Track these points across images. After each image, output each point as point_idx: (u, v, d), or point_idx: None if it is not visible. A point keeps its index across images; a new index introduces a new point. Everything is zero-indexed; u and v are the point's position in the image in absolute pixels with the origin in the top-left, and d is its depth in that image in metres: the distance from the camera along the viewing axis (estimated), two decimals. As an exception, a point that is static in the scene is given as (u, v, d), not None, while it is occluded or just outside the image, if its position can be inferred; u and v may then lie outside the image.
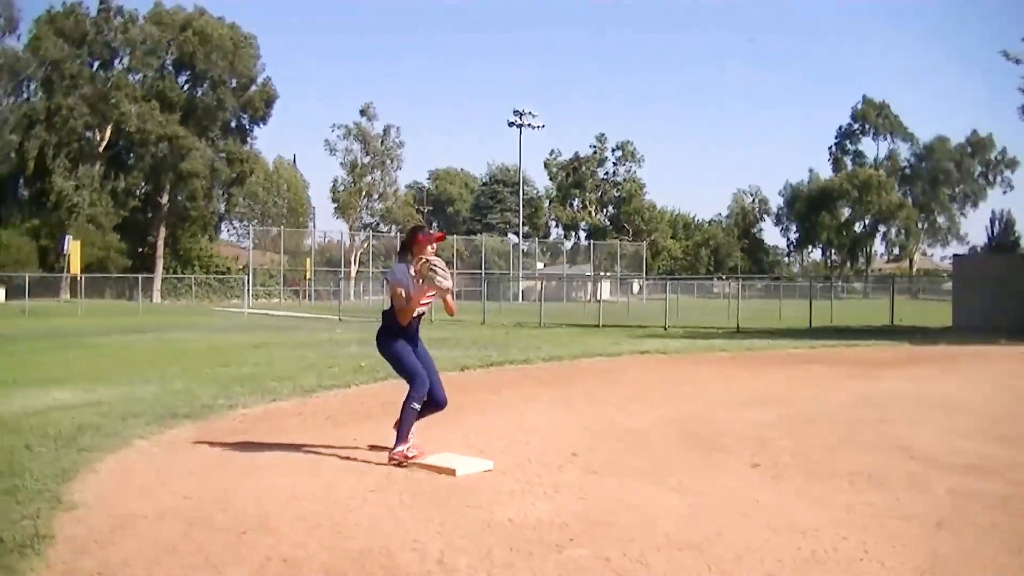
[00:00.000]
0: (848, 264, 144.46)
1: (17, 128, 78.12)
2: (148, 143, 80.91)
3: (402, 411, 9.27)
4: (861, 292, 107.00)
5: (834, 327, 36.53)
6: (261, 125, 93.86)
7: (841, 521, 6.94)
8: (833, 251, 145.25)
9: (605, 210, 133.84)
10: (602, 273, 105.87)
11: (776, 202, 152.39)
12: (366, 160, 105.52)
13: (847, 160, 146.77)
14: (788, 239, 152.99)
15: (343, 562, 5.96)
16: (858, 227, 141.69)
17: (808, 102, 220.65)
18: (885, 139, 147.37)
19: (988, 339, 28.98)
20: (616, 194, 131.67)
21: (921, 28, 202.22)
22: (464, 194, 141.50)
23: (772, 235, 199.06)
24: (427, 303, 9.57)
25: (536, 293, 65.59)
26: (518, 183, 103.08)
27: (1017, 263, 47.34)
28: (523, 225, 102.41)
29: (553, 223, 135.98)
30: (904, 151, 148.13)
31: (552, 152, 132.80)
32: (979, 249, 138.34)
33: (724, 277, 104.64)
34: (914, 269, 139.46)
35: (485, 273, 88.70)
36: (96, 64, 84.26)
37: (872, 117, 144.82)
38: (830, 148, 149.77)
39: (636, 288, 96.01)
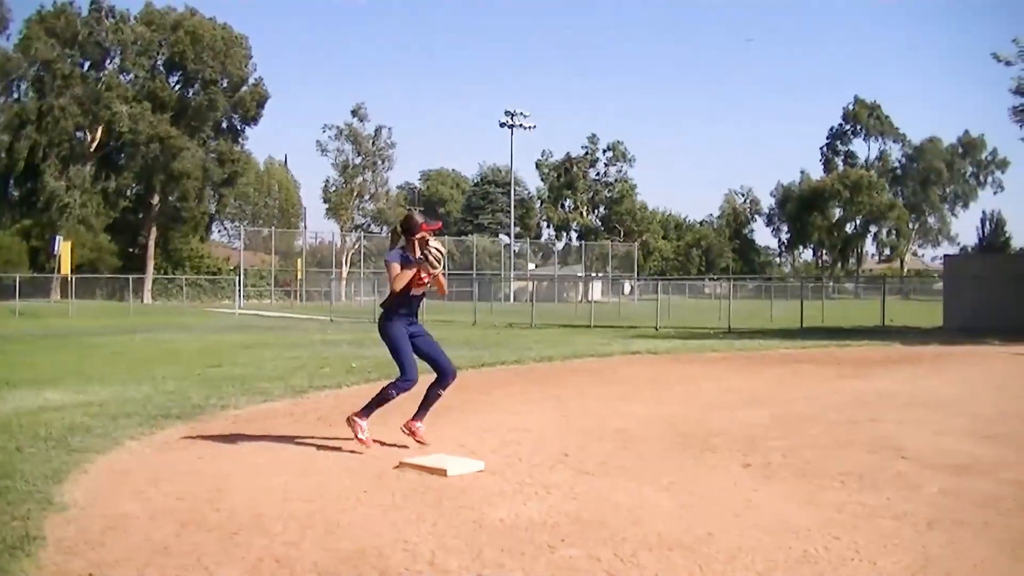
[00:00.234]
0: (839, 264, 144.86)
1: (8, 128, 78.12)
2: (139, 143, 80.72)
3: (382, 390, 9.72)
4: (852, 292, 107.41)
5: (825, 327, 36.57)
6: (253, 125, 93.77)
7: (832, 521, 6.95)
8: (824, 251, 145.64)
9: (596, 211, 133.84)
10: (593, 274, 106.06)
11: (767, 202, 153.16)
12: (357, 161, 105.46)
13: (838, 161, 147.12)
14: (779, 239, 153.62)
15: (335, 562, 5.95)
16: (849, 227, 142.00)
17: (800, 103, 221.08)
18: (876, 140, 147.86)
19: (979, 339, 29.06)
20: (607, 195, 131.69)
21: (913, 29, 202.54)
22: (456, 195, 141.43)
23: (763, 235, 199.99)
24: (422, 286, 9.87)
25: (527, 294, 65.77)
26: (510, 184, 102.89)
27: (1007, 263, 47.60)
28: (514, 226, 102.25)
29: (544, 223, 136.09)
30: (895, 152, 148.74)
31: (544, 153, 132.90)
32: (970, 249, 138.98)
33: (715, 277, 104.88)
34: (905, 269, 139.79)
35: (476, 274, 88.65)
36: (87, 64, 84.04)
37: (864, 118, 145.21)
38: (821, 148, 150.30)
39: (627, 289, 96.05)
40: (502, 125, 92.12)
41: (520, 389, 15.68)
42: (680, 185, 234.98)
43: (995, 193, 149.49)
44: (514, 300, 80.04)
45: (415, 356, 9.87)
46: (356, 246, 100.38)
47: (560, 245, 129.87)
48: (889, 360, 22.80)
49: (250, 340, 27.72)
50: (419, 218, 9.96)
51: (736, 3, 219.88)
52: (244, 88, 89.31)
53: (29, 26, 79.23)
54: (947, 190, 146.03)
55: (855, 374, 18.97)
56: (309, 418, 11.95)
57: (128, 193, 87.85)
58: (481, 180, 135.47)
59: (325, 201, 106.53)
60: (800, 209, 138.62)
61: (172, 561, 5.97)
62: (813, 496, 7.78)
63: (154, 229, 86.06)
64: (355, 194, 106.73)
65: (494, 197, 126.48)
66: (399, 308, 9.88)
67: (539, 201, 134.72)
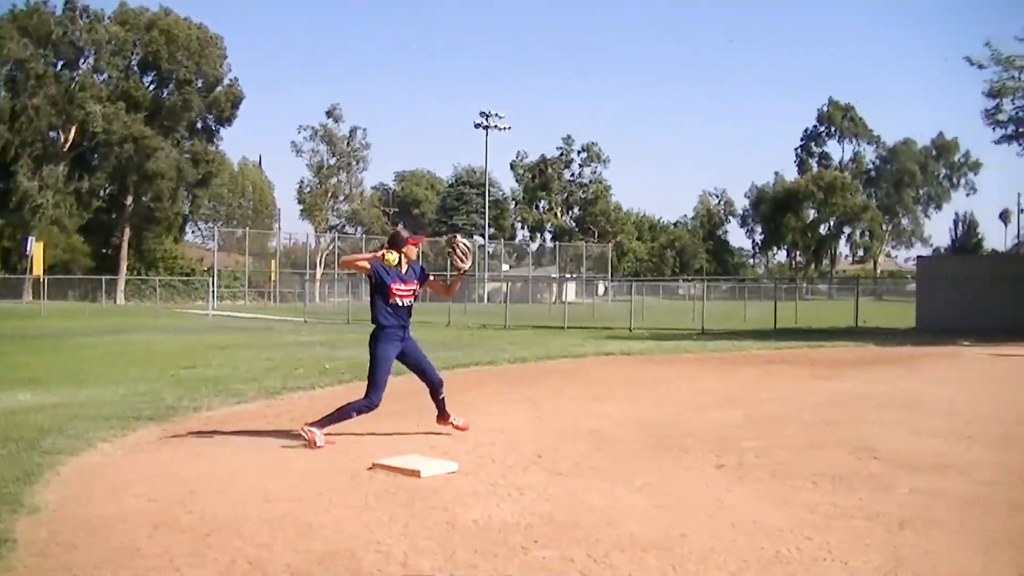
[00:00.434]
0: (813, 265, 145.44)
1: (-20, 128, 77.69)
2: (113, 143, 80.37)
3: (345, 408, 10.07)
4: (826, 293, 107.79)
5: (799, 328, 36.67)
6: (227, 126, 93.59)
7: (805, 521, 6.97)
8: (798, 252, 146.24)
9: (571, 212, 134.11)
10: (567, 275, 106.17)
11: (741, 204, 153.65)
12: (332, 161, 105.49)
13: (812, 162, 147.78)
14: (753, 241, 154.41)
15: (308, 563, 5.94)
16: (823, 229, 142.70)
17: (774, 104, 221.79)
18: (851, 141, 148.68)
19: (951, 340, 29.19)
20: (582, 196, 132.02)
21: (889, 32, 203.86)
22: (430, 195, 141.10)
23: (737, 237, 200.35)
24: (409, 292, 10.26)
25: (502, 294, 65.68)
26: (484, 185, 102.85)
27: (980, 265, 47.86)
28: (489, 227, 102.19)
29: (519, 224, 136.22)
30: (869, 153, 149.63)
31: (518, 154, 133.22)
32: (943, 251, 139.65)
33: (689, 278, 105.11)
34: (878, 270, 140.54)
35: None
36: (61, 64, 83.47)
37: (838, 120, 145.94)
38: (796, 150, 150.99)
39: (601, 289, 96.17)
40: (477, 126, 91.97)
41: (493, 390, 15.68)
42: (654, 186, 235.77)
43: (968, 195, 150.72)
44: (488, 301, 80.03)
45: (390, 369, 10.21)
46: (330, 247, 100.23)
47: (534, 246, 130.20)
48: (863, 361, 22.88)
49: (223, 341, 27.63)
50: (405, 233, 10.46)
51: (714, 4, 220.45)
52: (219, 88, 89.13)
53: (2, 25, 78.51)
54: (920, 192, 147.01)
55: (828, 375, 19.03)
56: (282, 419, 11.91)
57: (101, 193, 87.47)
58: (456, 181, 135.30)
59: (299, 202, 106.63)
60: (774, 210, 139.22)
61: (144, 563, 5.95)
62: (786, 497, 7.81)
63: (127, 230, 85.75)
64: (329, 195, 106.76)
65: (468, 198, 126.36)
66: (390, 320, 10.14)
67: (513, 202, 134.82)
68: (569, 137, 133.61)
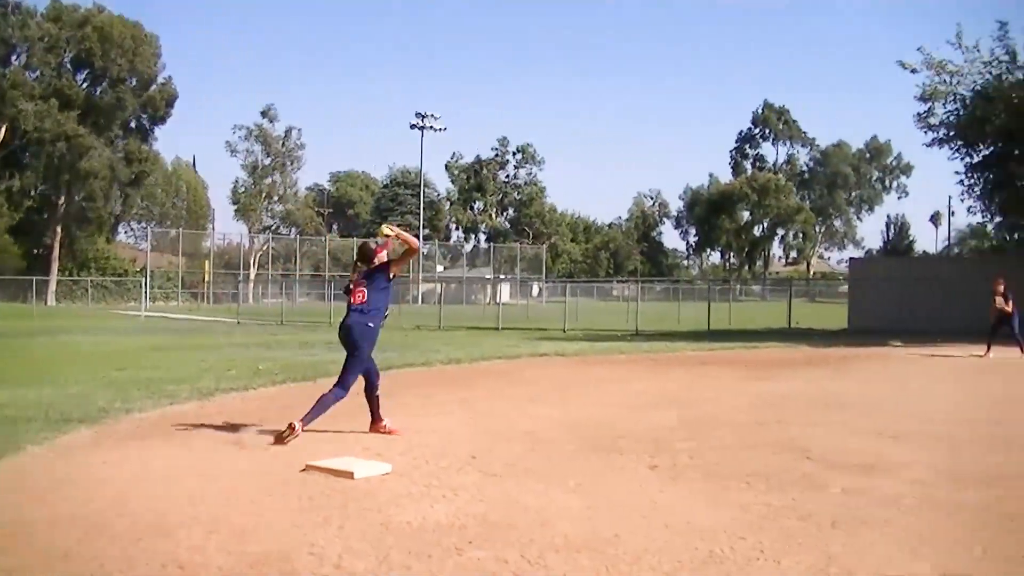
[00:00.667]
0: (746, 267, 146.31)
1: (-92, 126, 76.66)
2: (45, 142, 79.31)
3: (323, 399, 10.44)
4: (759, 295, 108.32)
5: (732, 329, 36.97)
6: (161, 125, 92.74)
7: (738, 521, 7.00)
8: (732, 254, 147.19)
9: (505, 213, 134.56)
10: (502, 276, 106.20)
11: (676, 206, 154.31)
12: (267, 162, 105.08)
13: (747, 164, 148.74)
14: (687, 242, 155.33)
15: (241, 566, 5.90)
16: (757, 230, 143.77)
17: (709, 106, 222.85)
18: (785, 144, 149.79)
19: (882, 340, 29.54)
20: (517, 197, 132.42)
21: (823, 36, 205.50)
22: (365, 196, 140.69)
23: (672, 238, 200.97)
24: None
25: (436, 295, 65.65)
26: (419, 186, 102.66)
27: (911, 267, 48.48)
28: (424, 228, 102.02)
29: (454, 226, 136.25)
30: (803, 156, 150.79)
31: (453, 155, 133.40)
32: (875, 253, 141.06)
33: (623, 280, 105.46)
34: (811, 272, 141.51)
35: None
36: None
37: (773, 122, 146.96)
38: (730, 152, 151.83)
39: (536, 291, 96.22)
40: (412, 127, 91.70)
41: (427, 391, 15.68)
42: (589, 188, 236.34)
43: (900, 198, 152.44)
44: (422, 302, 79.84)
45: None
46: (264, 248, 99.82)
47: (469, 247, 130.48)
48: (795, 362, 23.08)
49: (156, 343, 27.47)
50: (372, 245, 11.13)
51: (650, 6, 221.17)
52: (153, 87, 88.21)
53: (-71, 22, 77.77)
54: (853, 194, 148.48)
55: (762, 376, 19.17)
56: (216, 421, 11.80)
57: (33, 193, 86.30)
58: (390, 182, 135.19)
59: (234, 202, 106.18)
60: (708, 212, 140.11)
61: (74, 568, 5.88)
62: (719, 497, 7.84)
63: (59, 230, 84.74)
64: (264, 195, 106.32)
65: (403, 199, 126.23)
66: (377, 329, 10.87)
67: (448, 203, 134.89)
68: (504, 138, 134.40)
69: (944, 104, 35.56)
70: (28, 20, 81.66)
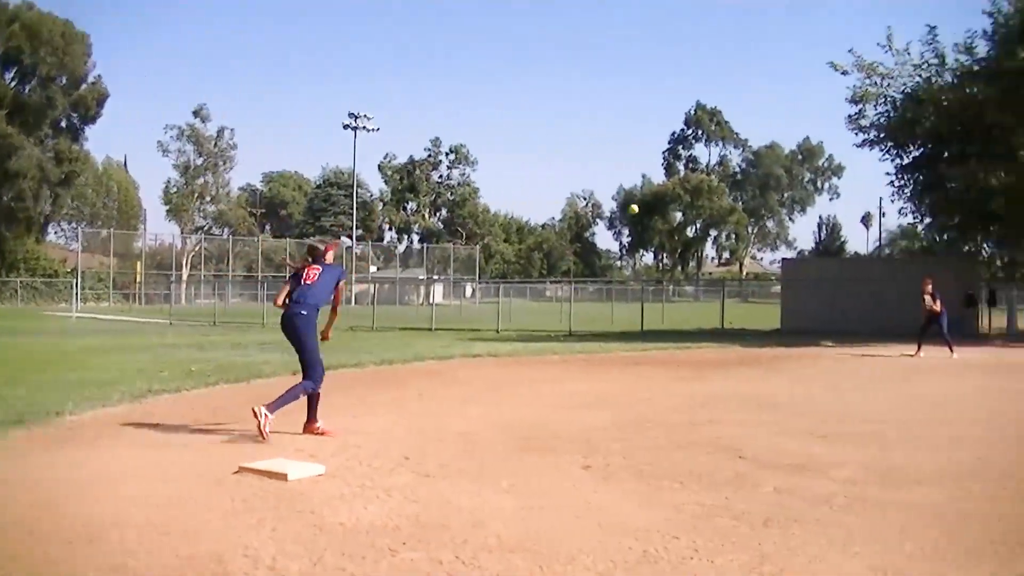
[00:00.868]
0: (680, 268, 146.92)
1: None
2: (-29, 142, 78.60)
3: (293, 389, 10.62)
4: (692, 295, 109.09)
5: (666, 330, 37.11)
6: (92, 124, 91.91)
7: (671, 521, 7.02)
8: (665, 255, 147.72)
9: (438, 213, 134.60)
10: (435, 276, 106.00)
11: (609, 206, 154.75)
12: (199, 162, 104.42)
13: (680, 165, 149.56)
14: (620, 243, 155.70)
15: (174, 569, 5.84)
16: (690, 231, 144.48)
17: (642, 107, 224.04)
18: (717, 145, 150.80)
19: (814, 341, 29.82)
20: (450, 197, 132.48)
21: (756, 37, 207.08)
22: (298, 196, 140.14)
23: (605, 239, 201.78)
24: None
25: (369, 296, 65.41)
26: (352, 186, 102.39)
27: (842, 267, 49.00)
28: (357, 228, 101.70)
29: (387, 226, 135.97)
30: (736, 157, 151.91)
31: (386, 155, 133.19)
32: (807, 253, 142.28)
33: (557, 280, 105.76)
34: (744, 273, 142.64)
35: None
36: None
37: (705, 123, 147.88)
38: (663, 153, 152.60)
39: (469, 291, 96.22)
40: (345, 127, 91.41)
41: (360, 392, 15.59)
42: (522, 188, 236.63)
43: (831, 199, 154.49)
44: (355, 303, 79.56)
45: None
46: (197, 248, 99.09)
47: (402, 248, 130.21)
48: (728, 362, 23.21)
49: (88, 344, 27.16)
50: (321, 247, 11.41)
51: (584, 6, 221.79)
52: (84, 86, 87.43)
53: None
54: (786, 195, 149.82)
55: (695, 376, 19.26)
56: (147, 423, 11.69)
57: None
58: (323, 182, 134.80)
59: (166, 203, 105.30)
60: (641, 213, 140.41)
61: (4, 572, 5.79)
62: (653, 497, 7.86)
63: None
64: (196, 196, 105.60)
65: (336, 199, 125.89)
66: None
67: (381, 204, 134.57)
68: (437, 139, 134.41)
69: (875, 106, 35.91)
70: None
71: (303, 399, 10.71)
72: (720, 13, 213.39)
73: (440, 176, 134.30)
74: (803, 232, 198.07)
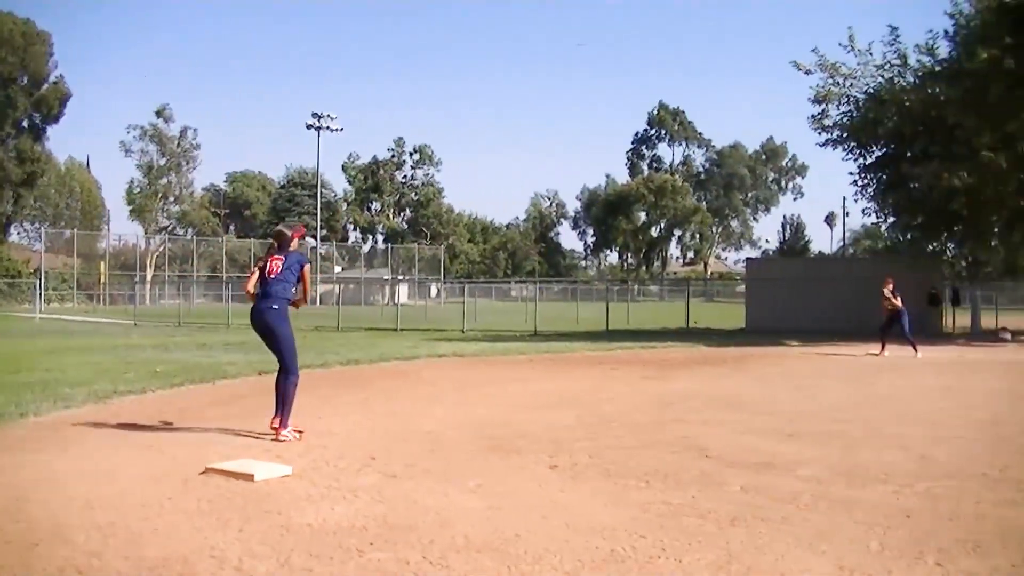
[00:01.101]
0: (644, 267, 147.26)
1: None
2: (-69, 141, 78.04)
3: (287, 391, 10.69)
4: (657, 295, 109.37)
5: (631, 330, 37.19)
6: (54, 124, 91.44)
7: (638, 520, 7.03)
8: (629, 255, 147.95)
9: (403, 214, 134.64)
10: (400, 276, 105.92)
11: (573, 206, 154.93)
12: (162, 162, 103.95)
13: (643, 165, 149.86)
14: (585, 243, 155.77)
15: (140, 571, 5.82)
16: (654, 231, 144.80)
17: (606, 107, 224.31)
18: (681, 145, 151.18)
19: (778, 340, 29.95)
20: (414, 198, 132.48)
21: (718, 37, 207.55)
22: (262, 197, 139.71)
23: (569, 239, 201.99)
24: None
25: (334, 296, 65.33)
26: (316, 186, 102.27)
27: (806, 267, 49.21)
28: (321, 228, 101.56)
29: (351, 226, 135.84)
30: (700, 157, 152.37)
31: (350, 155, 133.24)
32: (771, 253, 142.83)
33: (521, 280, 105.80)
34: (709, 272, 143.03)
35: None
36: None
37: (668, 123, 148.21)
38: (627, 153, 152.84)
39: (434, 291, 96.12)
40: (309, 127, 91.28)
41: (326, 393, 15.55)
42: (486, 188, 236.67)
43: (795, 199, 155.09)
44: (320, 303, 79.46)
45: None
46: (161, 248, 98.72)
47: (366, 248, 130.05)
48: (693, 361, 23.27)
49: (51, 345, 27.03)
50: (288, 231, 11.28)
51: (547, 6, 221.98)
52: (45, 86, 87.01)
53: None
54: (750, 195, 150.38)
55: (660, 375, 19.31)
56: (113, 424, 11.64)
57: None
58: (287, 183, 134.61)
59: (129, 203, 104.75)
60: (606, 213, 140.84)
61: (-34, 574, 5.77)
62: (619, 496, 7.87)
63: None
64: (160, 196, 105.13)
65: (300, 200, 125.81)
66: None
67: (346, 204, 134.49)
68: (401, 139, 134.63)
69: (838, 106, 36.04)
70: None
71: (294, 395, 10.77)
72: (683, 13, 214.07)
73: (404, 176, 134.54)
74: (767, 232, 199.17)
